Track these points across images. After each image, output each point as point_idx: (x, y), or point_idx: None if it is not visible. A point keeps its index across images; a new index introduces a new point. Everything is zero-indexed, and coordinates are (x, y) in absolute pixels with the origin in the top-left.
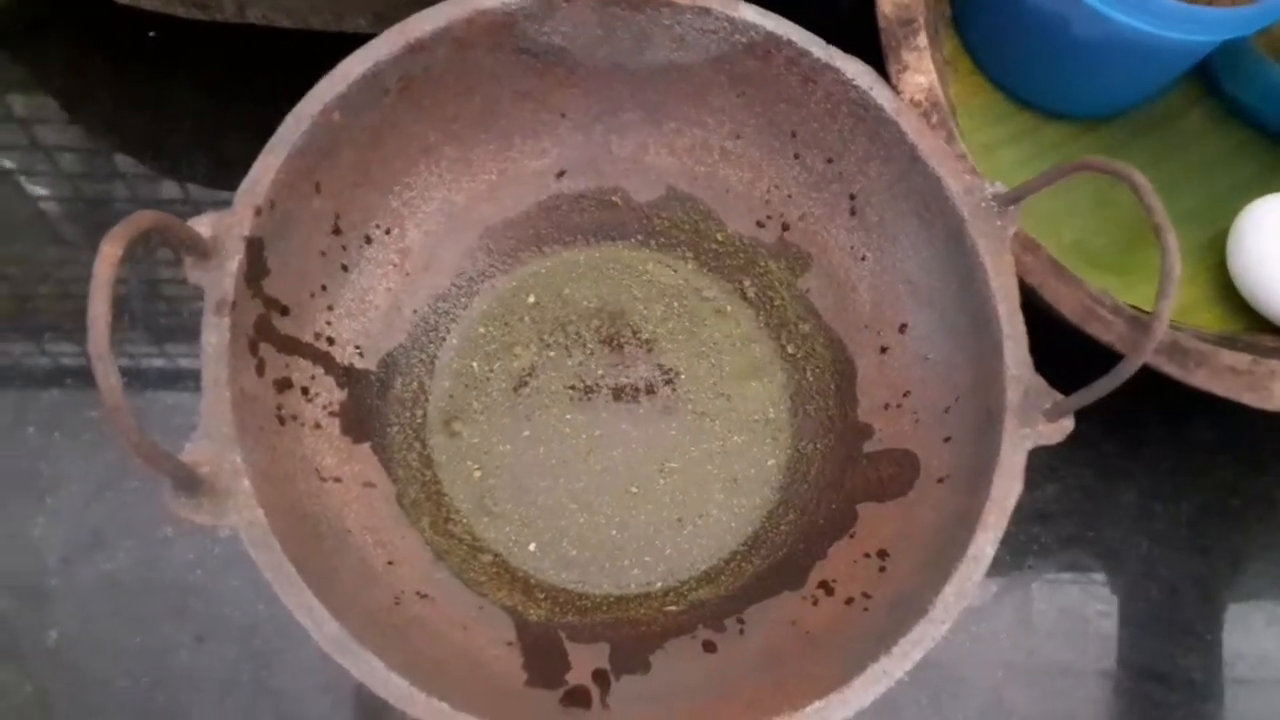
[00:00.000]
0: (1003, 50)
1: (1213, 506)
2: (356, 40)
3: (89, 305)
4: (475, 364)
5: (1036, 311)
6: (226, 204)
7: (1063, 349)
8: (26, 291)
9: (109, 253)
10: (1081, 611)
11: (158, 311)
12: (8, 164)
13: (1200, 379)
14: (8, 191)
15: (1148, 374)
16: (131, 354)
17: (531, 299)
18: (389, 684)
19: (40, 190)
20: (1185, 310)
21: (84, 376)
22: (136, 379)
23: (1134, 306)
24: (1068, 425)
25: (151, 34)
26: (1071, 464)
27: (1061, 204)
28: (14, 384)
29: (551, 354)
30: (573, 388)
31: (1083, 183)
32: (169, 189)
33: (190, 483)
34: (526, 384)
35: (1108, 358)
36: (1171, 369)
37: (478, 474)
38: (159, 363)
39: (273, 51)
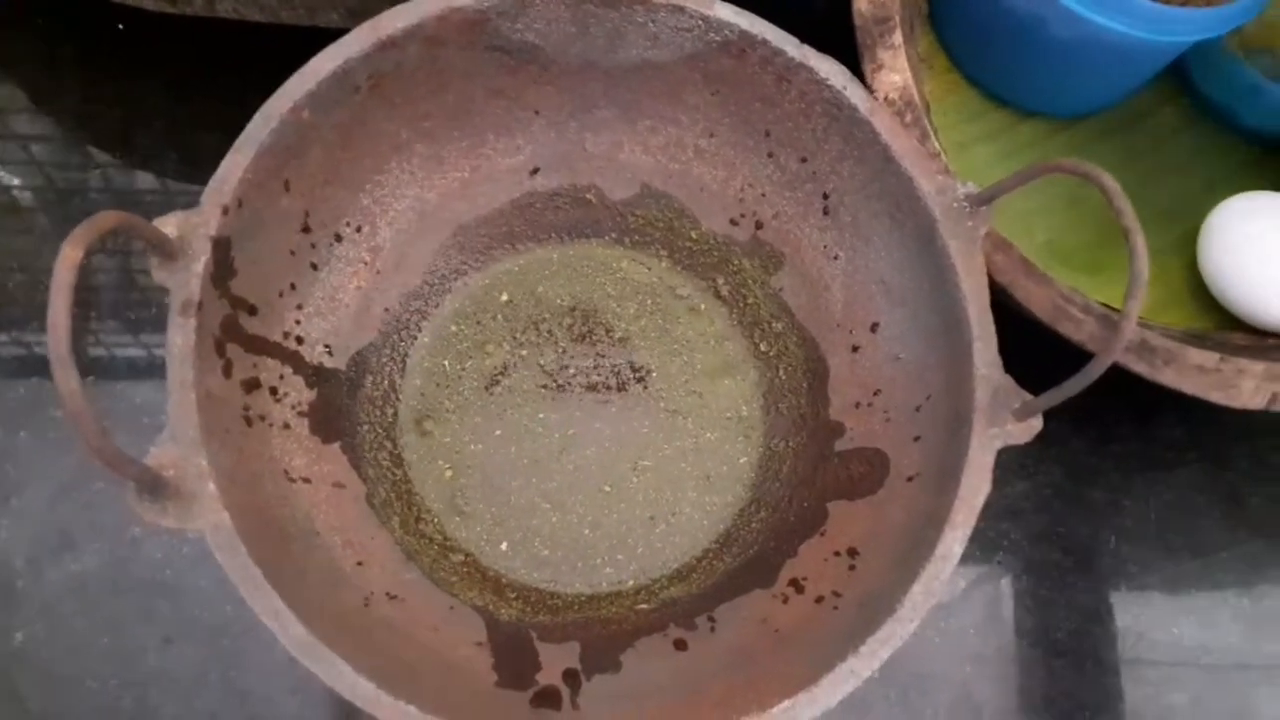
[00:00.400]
0: (978, 48)
1: (1180, 503)
2: (328, 36)
3: (49, 308)
4: (447, 362)
5: (1007, 310)
6: (196, 199)
7: (1033, 347)
8: None
9: (70, 255)
10: (1050, 607)
11: (130, 301)
12: None
13: (1168, 377)
14: None
15: (1117, 372)
16: (104, 343)
17: (504, 297)
18: (356, 687)
19: (13, 180)
20: (1155, 307)
21: (50, 373)
22: (108, 371)
23: (1105, 305)
24: (1036, 425)
25: (120, 26)
26: (1041, 461)
27: (1034, 203)
28: None
29: (524, 352)
30: (545, 386)
31: (1055, 182)
32: (140, 180)
33: (155, 486)
34: (499, 382)
35: (1078, 356)
36: (1140, 367)
37: (449, 473)
38: (131, 353)
39: (243, 46)
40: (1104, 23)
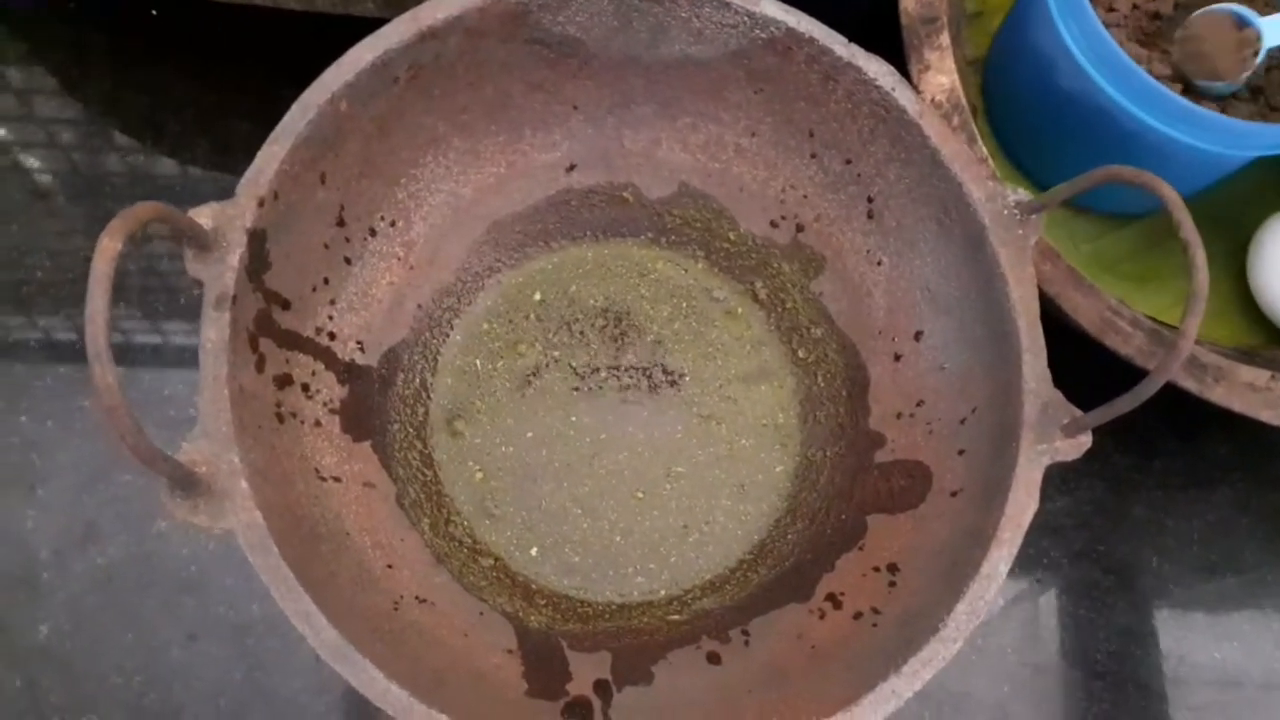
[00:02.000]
0: (1040, 150)
1: (1224, 523)
2: (363, 25)
3: (87, 301)
4: (479, 362)
5: (1051, 320)
6: (226, 187)
7: (1074, 358)
8: (20, 270)
9: (108, 246)
10: (1090, 627)
11: (153, 288)
12: (6, 137)
13: (1218, 395)
14: (4, 167)
15: (1164, 387)
16: (125, 330)
17: (538, 296)
18: (388, 694)
19: (35, 163)
20: (1202, 322)
21: (78, 361)
22: (130, 359)
23: (1150, 317)
24: (1085, 441)
25: (154, 12)
26: (1083, 476)
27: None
28: (6, 369)
29: (556, 353)
30: (577, 389)
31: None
32: (168, 168)
33: (187, 483)
34: (531, 383)
35: (1121, 367)
36: (1190, 384)
37: (479, 475)
38: (155, 341)
39: (277, 33)
40: (1185, 139)
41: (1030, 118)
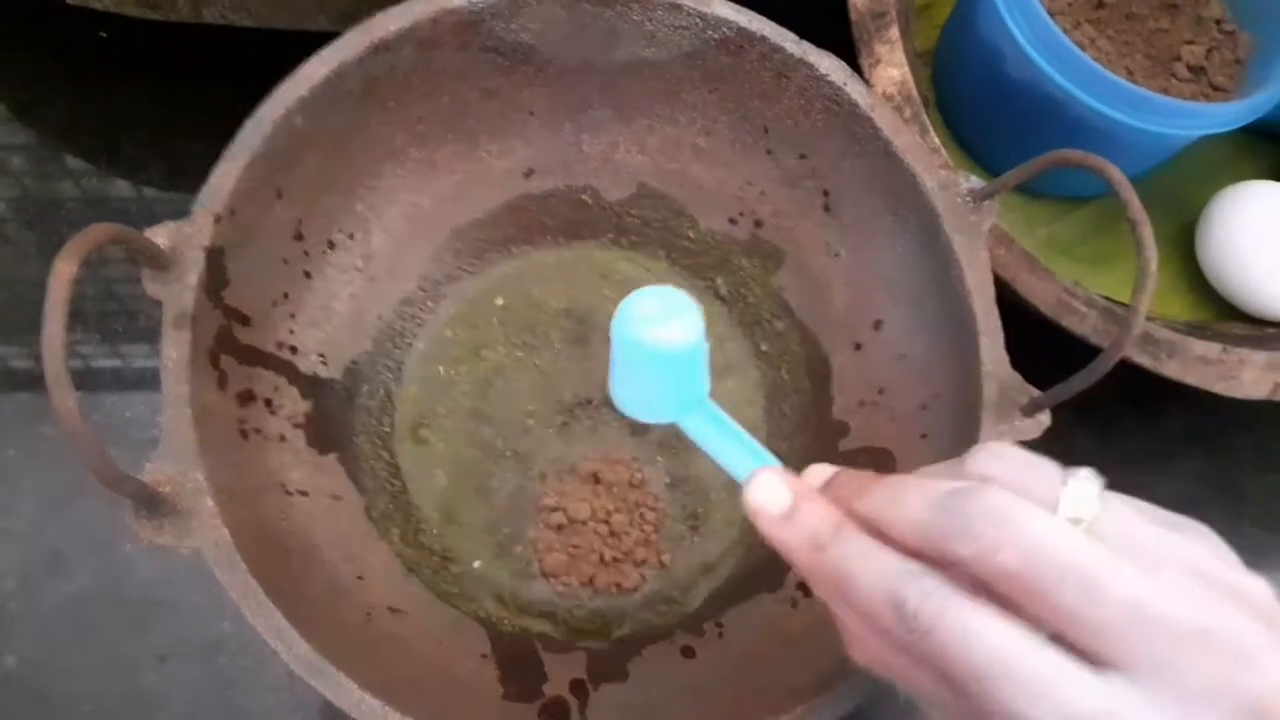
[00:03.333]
0: (989, 135)
1: (1184, 495)
2: (318, 40)
3: (44, 325)
4: (442, 368)
5: (1008, 304)
6: (182, 208)
7: (1032, 340)
8: None
9: (63, 269)
10: None
11: (111, 311)
12: None
13: (1172, 369)
14: None
15: (1120, 365)
16: (84, 355)
17: (500, 301)
18: (362, 704)
19: None
20: (1154, 299)
21: (38, 388)
22: (91, 383)
23: (1105, 296)
24: (1044, 420)
25: (103, 34)
26: (1046, 455)
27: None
28: None
29: (519, 354)
30: (539, 389)
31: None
32: (123, 191)
33: (152, 503)
34: (493, 385)
35: (1076, 346)
36: (1144, 360)
37: (444, 480)
38: (114, 364)
39: (230, 52)
40: (1130, 121)
41: (980, 107)
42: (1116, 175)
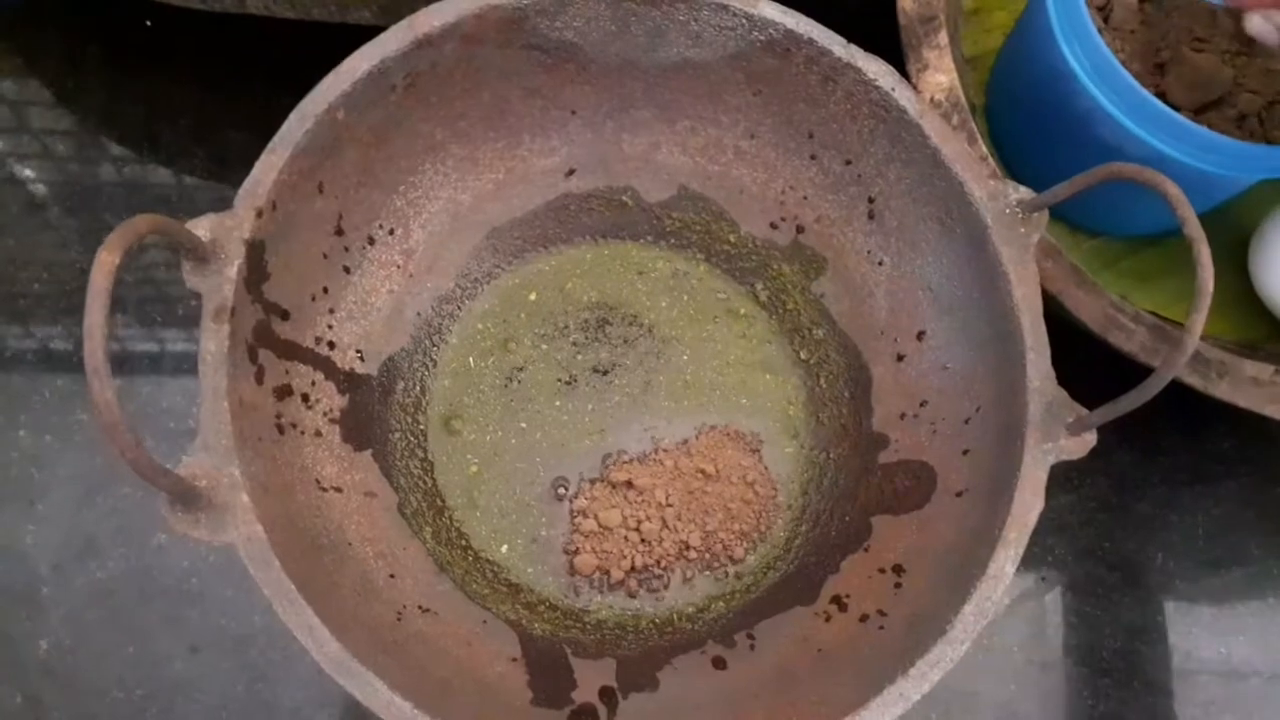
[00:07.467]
0: (1043, 165)
1: (1229, 518)
2: (359, 33)
3: (85, 317)
4: (472, 360)
5: (1053, 318)
6: (222, 196)
7: (1077, 355)
8: (16, 283)
9: (106, 260)
10: (1096, 624)
11: (149, 298)
12: (1, 149)
13: (1223, 390)
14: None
15: (1167, 384)
16: (121, 339)
17: (533, 296)
18: (392, 706)
19: (30, 174)
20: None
21: (76, 373)
22: (128, 369)
23: (1151, 312)
24: (1090, 440)
25: (148, 23)
26: (1087, 474)
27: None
28: (4, 383)
29: (544, 346)
30: (568, 380)
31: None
32: (164, 179)
33: (188, 497)
34: (515, 378)
35: (1123, 363)
36: (1194, 380)
37: (475, 468)
38: (152, 350)
39: (273, 43)
40: (1185, 160)
41: (1036, 133)
42: (1173, 191)
